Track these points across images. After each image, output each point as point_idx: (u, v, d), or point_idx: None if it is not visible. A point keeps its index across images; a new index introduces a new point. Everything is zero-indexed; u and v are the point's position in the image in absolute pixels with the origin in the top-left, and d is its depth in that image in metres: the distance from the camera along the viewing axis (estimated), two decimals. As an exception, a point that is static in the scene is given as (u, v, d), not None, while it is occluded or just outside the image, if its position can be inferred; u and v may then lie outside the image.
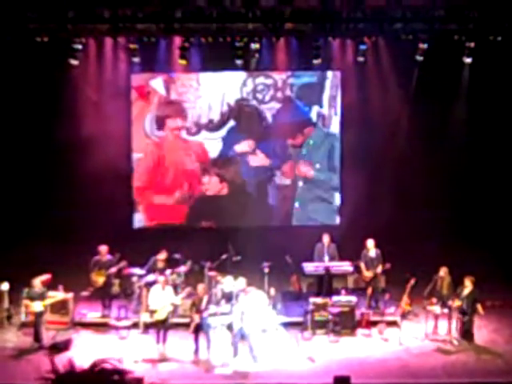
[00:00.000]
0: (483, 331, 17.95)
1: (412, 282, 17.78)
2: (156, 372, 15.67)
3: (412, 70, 22.71)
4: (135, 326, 17.74)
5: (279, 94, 23.79)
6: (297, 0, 20.27)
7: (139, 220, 24.02)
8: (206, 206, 23.99)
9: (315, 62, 21.70)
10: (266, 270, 19.02)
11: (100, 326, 18.23)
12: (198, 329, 16.75)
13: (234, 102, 23.75)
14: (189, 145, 23.86)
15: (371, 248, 19.30)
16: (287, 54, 22.45)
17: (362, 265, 19.29)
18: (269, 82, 23.73)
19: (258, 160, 23.92)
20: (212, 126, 23.80)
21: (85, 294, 19.21)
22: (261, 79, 23.69)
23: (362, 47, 21.63)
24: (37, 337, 17.04)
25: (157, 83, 23.57)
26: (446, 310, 17.60)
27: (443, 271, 17.93)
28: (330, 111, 23.83)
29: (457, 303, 17.35)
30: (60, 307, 18.00)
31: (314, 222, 23.87)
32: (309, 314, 17.77)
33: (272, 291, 18.42)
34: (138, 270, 18.95)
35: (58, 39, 20.73)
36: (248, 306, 16.69)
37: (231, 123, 23.82)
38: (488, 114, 22.87)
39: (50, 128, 22.30)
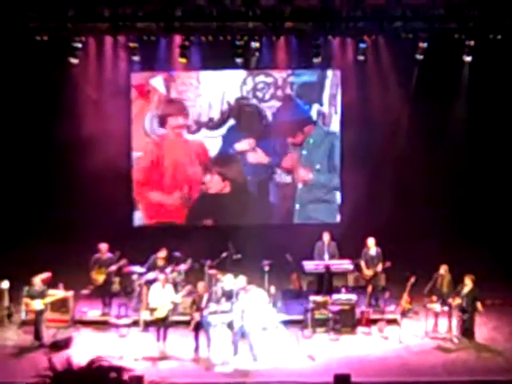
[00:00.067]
0: (483, 329, 17.95)
1: (412, 280, 17.78)
2: (156, 370, 15.66)
3: (412, 68, 22.72)
4: (135, 324, 17.73)
5: (279, 93, 23.80)
6: (297, -1, 20.30)
7: (139, 218, 24.04)
8: (206, 204, 24.00)
9: (315, 60, 21.71)
10: (267, 268, 19.02)
11: (100, 324, 18.23)
12: (199, 327, 16.76)
13: (234, 101, 23.76)
14: (189, 145, 23.87)
15: (372, 246, 19.31)
16: (287, 52, 22.47)
17: (363, 263, 19.30)
18: (269, 80, 23.75)
19: (257, 157, 23.92)
20: (212, 125, 23.81)
21: (85, 292, 19.23)
22: (261, 78, 23.71)
23: (362, 46, 21.65)
24: (37, 335, 17.05)
25: (157, 82, 23.58)
26: (446, 308, 17.59)
27: (443, 269, 17.93)
28: (330, 110, 23.85)
29: (457, 301, 17.35)
30: (60, 305, 18.02)
31: (314, 221, 23.88)
32: (309, 312, 17.78)
33: (272, 289, 18.44)
34: (138, 268, 18.96)
35: (58, 38, 20.75)
36: (248, 304, 16.70)
37: (231, 122, 23.84)
38: (488, 113, 22.88)
39: (49, 127, 22.32)
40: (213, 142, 23.88)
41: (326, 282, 19.29)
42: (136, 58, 21.80)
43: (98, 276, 18.69)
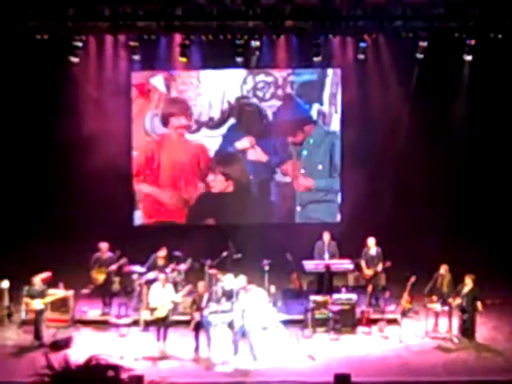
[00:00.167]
0: (483, 329, 17.94)
1: (412, 279, 17.76)
2: (156, 370, 15.65)
3: (412, 67, 22.71)
4: (135, 323, 17.72)
5: (279, 92, 23.80)
6: (297, -2, 20.29)
7: (139, 217, 24.04)
8: (206, 204, 23.99)
9: (315, 59, 21.69)
10: (267, 268, 19.01)
11: (100, 324, 18.22)
12: (199, 326, 16.76)
13: (235, 100, 23.75)
14: (190, 145, 23.85)
15: (372, 246, 19.29)
16: (287, 51, 22.45)
17: (363, 263, 19.28)
18: (269, 79, 23.73)
19: (257, 155, 23.91)
20: (212, 124, 23.80)
21: (85, 291, 19.21)
22: (261, 77, 23.70)
23: (363, 45, 21.64)
24: (37, 334, 17.05)
25: (157, 81, 23.58)
26: (446, 308, 17.58)
27: (443, 269, 17.91)
28: (330, 109, 23.83)
29: (457, 301, 17.34)
30: (60, 305, 18.01)
31: (315, 221, 23.87)
32: (309, 312, 17.77)
33: (272, 289, 18.44)
34: (138, 268, 18.95)
35: (59, 37, 20.75)
36: (248, 304, 16.68)
37: (231, 121, 23.82)
38: (488, 112, 22.88)
39: (50, 126, 22.33)
40: (213, 142, 23.87)
41: (326, 282, 19.28)
42: (136, 57, 21.80)
43: (98, 275, 18.68)
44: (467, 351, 16.95)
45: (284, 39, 21.94)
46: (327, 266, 19.34)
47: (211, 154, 23.90)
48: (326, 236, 19.86)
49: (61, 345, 16.63)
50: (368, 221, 21.68)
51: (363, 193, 22.43)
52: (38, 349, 16.62)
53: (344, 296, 18.24)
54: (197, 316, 16.77)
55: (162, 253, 18.96)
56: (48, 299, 17.28)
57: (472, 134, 23.31)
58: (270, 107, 23.81)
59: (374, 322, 18.07)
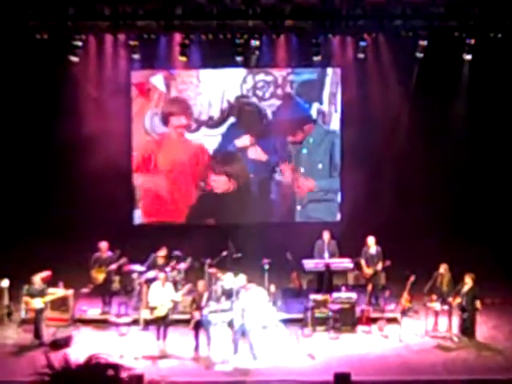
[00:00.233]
0: (483, 328, 17.95)
1: (412, 278, 17.76)
2: (156, 369, 15.65)
3: (412, 66, 22.71)
4: (135, 322, 17.73)
5: (279, 91, 23.80)
6: (297, -3, 20.29)
7: (139, 217, 24.05)
8: (206, 203, 23.99)
9: (315, 58, 21.69)
10: (267, 267, 19.02)
11: (100, 323, 18.23)
12: (199, 325, 16.76)
13: (234, 99, 23.75)
14: (189, 145, 23.85)
15: (372, 245, 19.30)
16: (287, 50, 22.45)
17: (363, 262, 19.29)
18: (269, 78, 23.74)
19: (257, 154, 23.91)
20: (212, 123, 23.80)
21: (85, 290, 19.22)
22: (261, 76, 23.70)
23: (362, 44, 21.64)
24: (37, 333, 17.05)
25: (157, 80, 23.58)
26: (446, 307, 17.59)
27: (443, 268, 17.91)
28: (330, 108, 23.84)
29: (457, 300, 17.35)
30: (60, 304, 18.01)
31: (315, 220, 23.88)
32: (309, 311, 17.78)
33: (272, 288, 18.43)
34: (138, 267, 18.96)
35: (58, 36, 20.74)
36: (248, 303, 16.68)
37: (231, 120, 23.82)
38: (488, 111, 22.88)
39: (50, 125, 22.33)
40: (213, 141, 23.87)
41: (326, 281, 19.30)
42: (136, 57, 21.80)
43: (98, 275, 18.68)
44: (467, 350, 16.96)
45: (284, 38, 21.94)
46: (327, 265, 19.35)
47: (211, 153, 23.90)
48: (326, 235, 19.87)
49: (61, 344, 16.63)
50: (368, 220, 21.67)
51: (363, 192, 22.44)
52: (37, 348, 16.62)
53: (344, 295, 18.24)
54: (197, 315, 16.77)
55: (162, 252, 18.96)
56: (48, 298, 17.29)
57: (472, 134, 23.31)
58: (270, 106, 23.81)
59: (374, 320, 18.07)
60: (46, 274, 17.84)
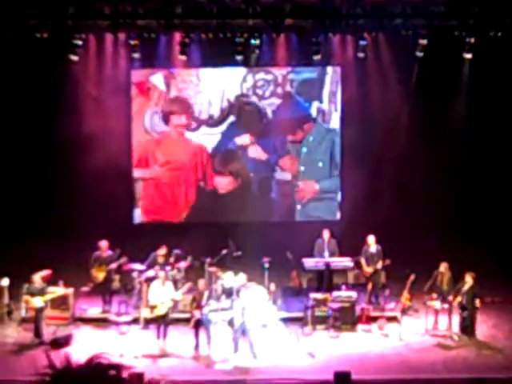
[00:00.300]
0: (483, 327, 17.95)
1: (412, 277, 17.76)
2: (156, 367, 15.66)
3: (412, 65, 22.71)
4: (135, 321, 17.72)
5: (279, 90, 23.80)
6: (297, -4, 20.29)
7: (139, 215, 24.06)
8: (207, 202, 24.00)
9: (315, 57, 21.69)
10: (267, 266, 19.04)
11: (100, 322, 18.24)
12: (199, 324, 16.76)
13: (234, 98, 23.74)
14: (189, 144, 23.86)
15: (372, 244, 19.31)
16: (287, 49, 22.44)
17: (363, 260, 19.30)
18: (269, 77, 23.74)
19: (257, 153, 23.92)
20: (212, 122, 23.80)
21: (85, 289, 19.22)
22: (261, 75, 23.70)
23: (362, 43, 21.62)
24: (37, 332, 17.05)
25: (157, 79, 23.58)
26: (446, 306, 17.60)
27: (443, 267, 17.92)
28: (330, 107, 23.84)
29: (457, 299, 17.35)
30: (60, 303, 18.02)
31: (315, 219, 23.89)
32: (309, 310, 17.78)
33: (272, 287, 18.45)
34: (138, 266, 18.97)
35: (58, 35, 20.72)
36: (248, 302, 16.69)
37: (231, 119, 23.83)
38: (488, 110, 22.87)
39: (49, 124, 22.33)
40: (212, 139, 23.88)
41: (326, 280, 19.31)
42: (136, 56, 21.79)
43: (98, 273, 18.68)
44: (467, 349, 16.97)
45: (284, 37, 21.92)
46: (327, 264, 19.36)
47: (211, 151, 23.90)
48: (326, 234, 19.88)
49: (61, 342, 16.63)
50: (368, 219, 21.68)
51: (363, 191, 22.44)
52: (37, 347, 16.62)
53: (344, 294, 18.25)
54: (197, 314, 16.78)
55: (162, 251, 18.97)
56: (48, 297, 17.30)
57: (472, 133, 23.32)
58: (270, 105, 23.81)
59: (374, 319, 18.07)
60: (46, 272, 17.85)
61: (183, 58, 21.46)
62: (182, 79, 23.63)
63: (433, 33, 21.10)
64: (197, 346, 16.71)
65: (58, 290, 17.78)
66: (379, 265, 19.09)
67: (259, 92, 23.75)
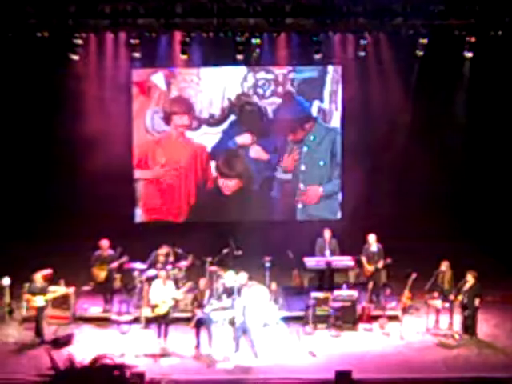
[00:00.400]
0: (485, 326, 17.94)
1: (413, 276, 17.74)
2: (157, 367, 15.65)
3: (413, 64, 22.73)
4: (136, 320, 17.71)
5: (280, 89, 23.81)
6: (297, -5, 20.29)
7: (140, 215, 24.07)
8: (207, 201, 24.02)
9: (316, 56, 21.67)
10: (268, 265, 19.04)
11: (101, 321, 18.21)
12: (200, 323, 16.76)
13: (235, 97, 23.74)
14: (190, 144, 23.87)
15: (372, 243, 19.29)
16: (288, 48, 22.45)
17: (364, 259, 19.29)
18: (270, 76, 23.74)
19: (258, 153, 23.94)
20: (213, 121, 23.81)
21: (86, 288, 19.19)
22: (262, 74, 23.70)
23: (363, 42, 21.63)
24: (38, 331, 17.05)
25: (158, 78, 23.58)
26: (447, 305, 17.59)
27: (444, 265, 17.90)
28: (330, 106, 23.85)
29: (458, 298, 17.35)
30: (61, 302, 17.99)
31: (316, 218, 23.91)
32: (310, 309, 17.77)
33: (273, 286, 18.45)
34: (139, 265, 18.96)
35: (59, 35, 20.71)
36: (249, 301, 16.69)
37: (232, 118, 23.83)
38: (488, 109, 22.88)
39: (50, 124, 22.38)
40: (213, 139, 23.88)
41: (327, 279, 19.30)
42: (137, 55, 21.76)
43: (99, 273, 18.67)
44: (468, 348, 16.94)
45: (284, 36, 21.93)
46: (328, 263, 19.36)
47: (212, 151, 23.92)
48: (327, 233, 19.86)
49: (62, 342, 16.64)
50: (369, 218, 21.70)
51: (364, 190, 22.47)
52: (39, 346, 16.64)
53: (345, 293, 18.23)
54: (198, 313, 16.78)
55: (163, 250, 18.95)
56: (49, 296, 17.28)
57: (472, 131, 23.32)
58: (271, 105, 23.83)
59: (375, 318, 18.06)
60: (47, 272, 17.84)
61: (184, 57, 21.48)
62: (183, 78, 23.64)
63: (433, 32, 21.10)
64: (198, 346, 16.70)
65: (59, 290, 17.76)
66: (380, 264, 19.07)
67: (260, 91, 23.76)
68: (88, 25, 20.82)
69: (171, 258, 18.99)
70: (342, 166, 23.93)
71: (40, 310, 17.05)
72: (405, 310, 17.89)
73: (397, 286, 18.68)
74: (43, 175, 22.73)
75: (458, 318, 17.58)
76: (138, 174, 23.86)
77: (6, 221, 22.42)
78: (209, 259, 19.14)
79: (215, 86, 23.62)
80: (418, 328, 17.82)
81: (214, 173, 24.08)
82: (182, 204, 24.07)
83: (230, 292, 17.20)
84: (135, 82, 23.55)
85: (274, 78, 23.76)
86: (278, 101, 23.81)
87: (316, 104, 23.83)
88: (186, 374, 15.36)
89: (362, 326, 17.95)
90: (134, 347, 16.45)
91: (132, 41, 21.29)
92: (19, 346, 16.88)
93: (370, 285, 18.88)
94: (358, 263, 19.55)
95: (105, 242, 18.77)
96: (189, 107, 23.69)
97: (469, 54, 21.53)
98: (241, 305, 16.60)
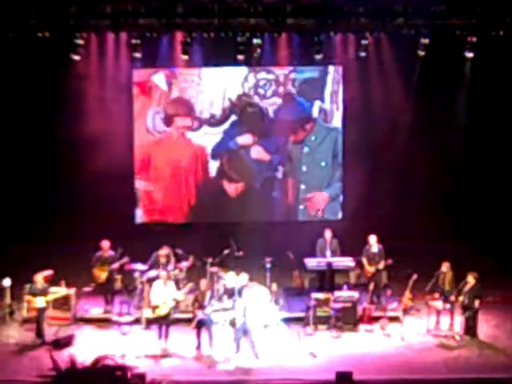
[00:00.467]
0: (485, 327, 17.93)
1: (414, 277, 17.73)
2: (158, 368, 15.64)
3: (414, 64, 22.72)
4: (137, 321, 17.70)
5: (281, 90, 23.80)
6: (298, -5, 20.28)
7: (141, 215, 24.06)
8: (208, 202, 24.01)
9: (317, 57, 21.66)
10: (268, 266, 19.02)
11: (102, 322, 18.20)
12: (200, 324, 16.74)
13: (236, 98, 23.74)
14: (190, 145, 23.86)
15: (373, 243, 19.27)
16: (289, 49, 22.43)
17: (364, 260, 19.26)
18: (270, 77, 23.73)
19: (260, 153, 23.93)
20: (214, 121, 23.81)
21: (87, 289, 19.18)
22: (262, 74, 23.70)
23: (364, 42, 21.61)
24: (39, 332, 17.04)
25: (159, 78, 23.58)
26: (448, 306, 17.58)
27: (445, 266, 17.88)
28: (331, 106, 23.84)
29: (459, 299, 17.33)
30: (62, 303, 17.98)
31: (317, 218, 23.91)
32: (311, 310, 17.75)
33: (274, 287, 18.44)
34: (140, 266, 18.94)
35: (60, 35, 20.71)
36: (250, 302, 16.67)
37: (233, 118, 23.82)
38: (490, 109, 22.86)
39: (51, 124, 22.38)
40: (214, 139, 23.87)
41: (327, 280, 19.28)
42: (138, 55, 21.74)
43: (100, 273, 18.66)
44: (469, 349, 16.93)
45: (285, 37, 21.91)
46: (329, 264, 19.34)
47: (213, 151, 23.91)
48: (328, 233, 19.84)
49: (63, 343, 16.63)
50: (370, 218, 21.68)
51: (365, 190, 22.46)
52: (39, 347, 16.63)
53: (346, 293, 18.22)
54: (199, 314, 16.76)
55: (164, 251, 18.93)
56: (50, 297, 17.27)
57: (473, 132, 23.31)
58: (272, 105, 23.82)
59: (376, 319, 18.05)
60: (47, 272, 17.81)
61: (185, 57, 21.48)
62: (184, 79, 23.64)
63: (434, 32, 21.09)
64: (199, 346, 16.69)
65: (59, 291, 17.75)
66: (381, 265, 19.05)
67: (261, 91, 23.75)
68: (89, 25, 20.82)
69: (172, 259, 18.97)
70: (343, 167, 23.91)
71: (41, 311, 17.04)
72: (405, 311, 17.87)
73: (397, 287, 18.68)
74: (44, 175, 22.72)
75: (458, 319, 17.56)
76: (138, 174, 23.84)
77: (7, 221, 22.41)
78: (209, 260, 19.10)
79: (216, 86, 23.62)
80: (418, 329, 17.81)
81: (214, 173, 24.05)
82: (182, 205, 24.07)
83: (230, 293, 17.19)
84: (136, 82, 23.55)
85: (274, 79, 23.75)
86: (279, 101, 23.81)
87: (317, 104, 23.82)
88: (186, 374, 15.35)
89: (362, 326, 17.94)
90: (134, 348, 16.44)
91: (133, 41, 21.28)
92: (20, 347, 16.87)
93: (371, 286, 18.87)
94: (359, 264, 19.54)
95: (105, 243, 18.77)
96: (190, 108, 23.69)
97: (470, 54, 21.51)
98: (241, 306, 16.59)
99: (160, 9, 20.25)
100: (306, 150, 24.00)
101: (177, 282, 18.17)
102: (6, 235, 21.94)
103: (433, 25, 20.82)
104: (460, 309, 17.51)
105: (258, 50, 21.55)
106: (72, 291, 18.04)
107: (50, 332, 17.16)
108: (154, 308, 16.97)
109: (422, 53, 21.64)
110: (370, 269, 19.14)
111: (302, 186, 24.23)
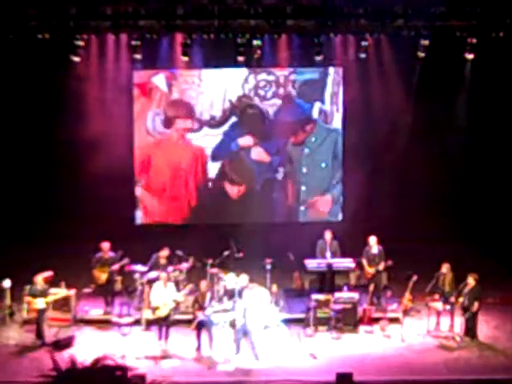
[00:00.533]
0: (485, 328, 17.93)
1: (414, 278, 17.73)
2: (158, 369, 15.64)
3: (414, 66, 22.72)
4: (137, 322, 17.70)
5: (281, 91, 23.81)
6: (299, -4, 20.30)
7: (141, 217, 24.07)
8: (208, 203, 24.02)
9: (317, 58, 21.67)
10: (268, 267, 19.02)
11: (102, 323, 18.19)
12: (201, 326, 16.74)
13: (236, 99, 23.75)
14: (191, 146, 23.88)
15: (373, 245, 19.27)
16: (289, 50, 22.43)
17: (364, 261, 19.26)
18: (271, 78, 23.75)
19: (260, 155, 23.94)
20: (214, 123, 23.82)
21: (87, 290, 19.20)
22: (263, 76, 23.71)
23: (364, 43, 21.62)
24: (39, 334, 17.04)
25: (159, 80, 23.58)
26: (448, 307, 17.58)
27: (445, 268, 17.88)
28: (332, 108, 23.86)
29: (459, 300, 17.33)
30: (62, 304, 17.99)
31: (317, 220, 23.91)
32: (311, 311, 17.75)
33: (274, 288, 18.43)
34: (140, 267, 18.93)
35: (60, 36, 20.71)
36: (250, 303, 16.67)
37: (233, 119, 23.83)
38: (490, 110, 22.87)
39: (51, 125, 22.39)
40: (214, 140, 23.88)
41: (327, 281, 19.28)
42: (138, 56, 21.75)
43: (100, 275, 18.66)
44: (469, 350, 16.92)
45: (285, 38, 21.90)
46: (329, 265, 19.34)
47: (213, 153, 23.91)
48: (328, 235, 19.84)
49: (63, 344, 16.63)
50: (370, 220, 21.68)
51: (365, 192, 22.46)
52: (39, 348, 16.63)
53: (346, 295, 18.21)
54: (199, 315, 16.76)
55: (164, 252, 18.93)
56: (50, 298, 17.27)
57: (474, 133, 23.31)
58: (272, 106, 23.83)
59: (376, 320, 18.05)
60: (48, 274, 17.81)
61: (185, 58, 21.49)
62: (184, 80, 23.65)
63: (434, 33, 21.09)
64: (199, 348, 16.69)
65: (60, 292, 17.76)
66: (381, 266, 19.05)
67: (261, 93, 23.76)
68: (89, 26, 20.83)
69: (172, 260, 18.97)
70: (343, 168, 23.92)
71: (41, 312, 17.04)
72: (406, 312, 17.87)
73: (398, 288, 18.69)
74: (44, 177, 22.73)
75: (458, 320, 17.55)
76: (139, 175, 23.85)
77: (7, 223, 22.42)
78: (210, 261, 19.10)
79: (216, 87, 23.64)
80: (418, 330, 17.81)
81: (215, 175, 24.06)
82: (182, 206, 24.07)
83: (230, 294, 17.19)
84: (136, 84, 23.56)
85: (275, 80, 23.77)
86: (279, 102, 23.83)
87: (317, 105, 23.83)
88: (186, 376, 15.35)
89: (362, 328, 17.93)
90: (134, 349, 16.43)
91: (133, 42, 21.28)
92: (20, 349, 16.86)
93: (371, 287, 18.87)
94: (359, 265, 19.54)
95: (106, 244, 18.77)
96: (190, 110, 23.70)
97: (470, 56, 21.52)
98: (242, 307, 16.59)
99: (160, 10, 20.27)
100: (306, 151, 24.01)
101: (177, 284, 18.17)
102: (7, 236, 21.95)
103: (433, 26, 20.83)
104: (460, 310, 17.50)
105: (258, 52, 21.56)
106: (72, 292, 18.05)
107: (50, 333, 17.16)
108: (154, 309, 16.97)
109: (422, 54, 21.64)
110: (370, 270, 19.14)
111: (303, 188, 24.24)
